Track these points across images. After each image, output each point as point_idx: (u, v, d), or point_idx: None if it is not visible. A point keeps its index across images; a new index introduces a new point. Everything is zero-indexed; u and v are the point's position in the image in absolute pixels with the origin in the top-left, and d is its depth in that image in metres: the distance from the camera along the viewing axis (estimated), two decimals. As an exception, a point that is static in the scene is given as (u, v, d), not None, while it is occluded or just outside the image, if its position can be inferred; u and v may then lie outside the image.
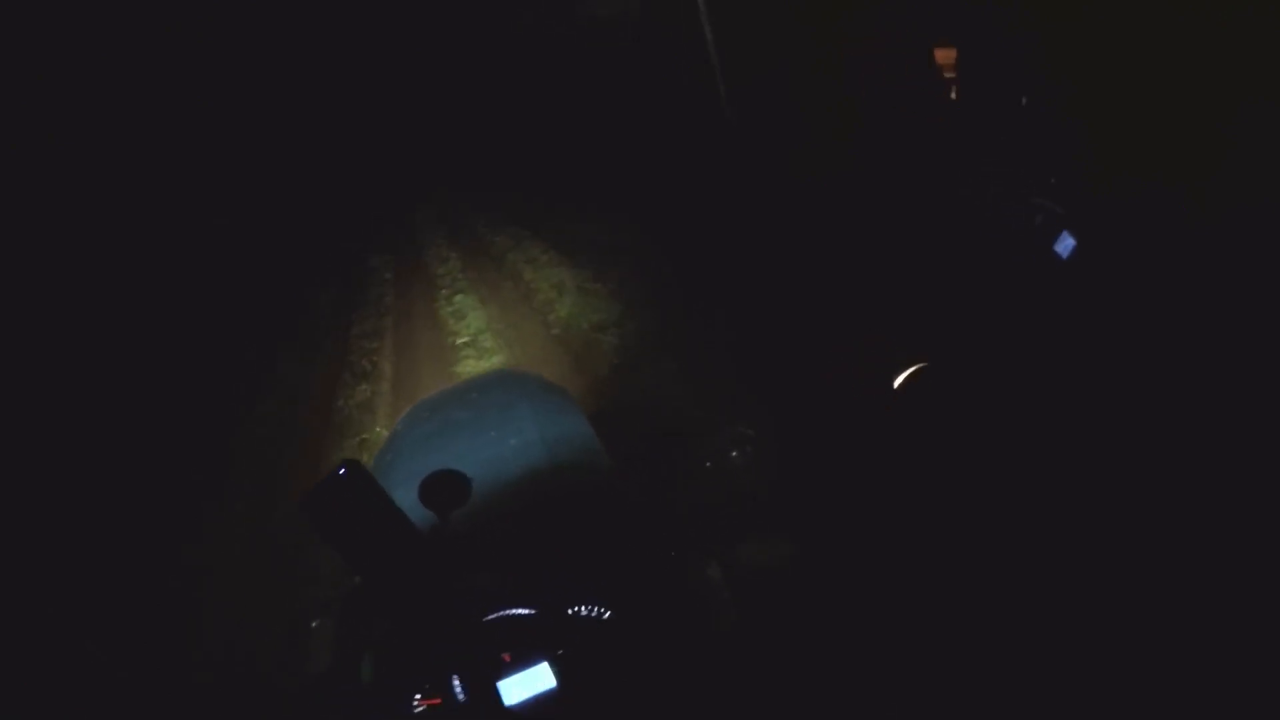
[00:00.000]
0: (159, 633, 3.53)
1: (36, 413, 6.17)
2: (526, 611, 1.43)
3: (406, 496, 1.57)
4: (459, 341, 6.96)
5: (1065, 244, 2.44)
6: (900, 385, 1.85)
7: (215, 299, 9.05)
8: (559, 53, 10.79)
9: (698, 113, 6.54)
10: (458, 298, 7.81)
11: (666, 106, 7.83)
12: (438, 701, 1.38)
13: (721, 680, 1.51)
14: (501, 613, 1.44)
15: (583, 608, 1.45)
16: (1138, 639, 1.67)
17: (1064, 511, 1.74)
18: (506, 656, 1.39)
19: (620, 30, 9.07)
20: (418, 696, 1.38)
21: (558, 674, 1.38)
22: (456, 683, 1.39)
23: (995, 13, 2.70)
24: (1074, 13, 2.44)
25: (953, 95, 2.66)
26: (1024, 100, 2.55)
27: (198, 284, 9.22)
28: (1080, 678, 1.66)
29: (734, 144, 4.64)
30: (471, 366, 6.18)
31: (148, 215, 9.71)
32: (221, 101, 12.68)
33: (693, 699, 1.45)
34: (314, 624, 2.00)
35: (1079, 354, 2.11)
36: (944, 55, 2.63)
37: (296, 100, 14.58)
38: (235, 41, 11.96)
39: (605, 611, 1.45)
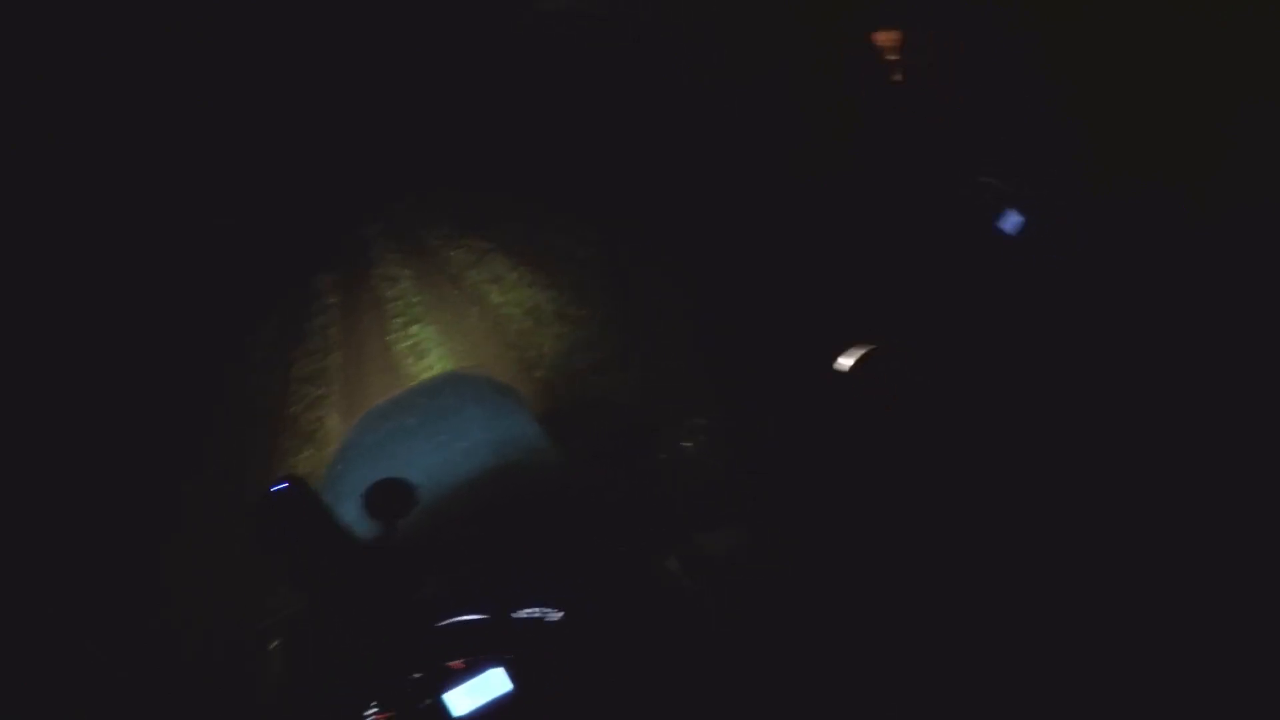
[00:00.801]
0: (154, 635, 3.49)
1: (30, 415, 6.09)
2: (477, 617, 1.42)
3: (356, 507, 1.54)
4: (405, 347, 6.81)
5: (1012, 220, 2.45)
6: (850, 367, 1.84)
7: (177, 302, 8.78)
8: (545, 51, 10.58)
9: (672, 110, 6.50)
10: (404, 303, 7.55)
11: (650, 107, 7.74)
12: (390, 715, 1.34)
13: (684, 672, 1.49)
14: (452, 619, 1.42)
15: (535, 609, 1.44)
16: (1115, 624, 1.68)
17: (1017, 496, 1.75)
18: (459, 664, 1.36)
19: (613, 28, 8.92)
20: (372, 712, 1.35)
21: (512, 677, 1.37)
22: (408, 694, 1.36)
23: (993, 9, 2.71)
24: (1073, 11, 2.44)
25: (898, 77, 2.66)
26: (1020, 97, 2.56)
27: (157, 288, 8.99)
28: (1049, 661, 1.66)
29: (699, 137, 4.64)
30: (420, 370, 6.09)
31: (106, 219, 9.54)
32: (165, 109, 12.37)
33: (655, 693, 1.44)
34: (272, 645, 1.96)
35: (1031, 336, 2.12)
36: (885, 38, 2.63)
37: (247, 100, 14.13)
38: (162, 48, 11.54)
39: (557, 612, 1.43)
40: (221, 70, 14.20)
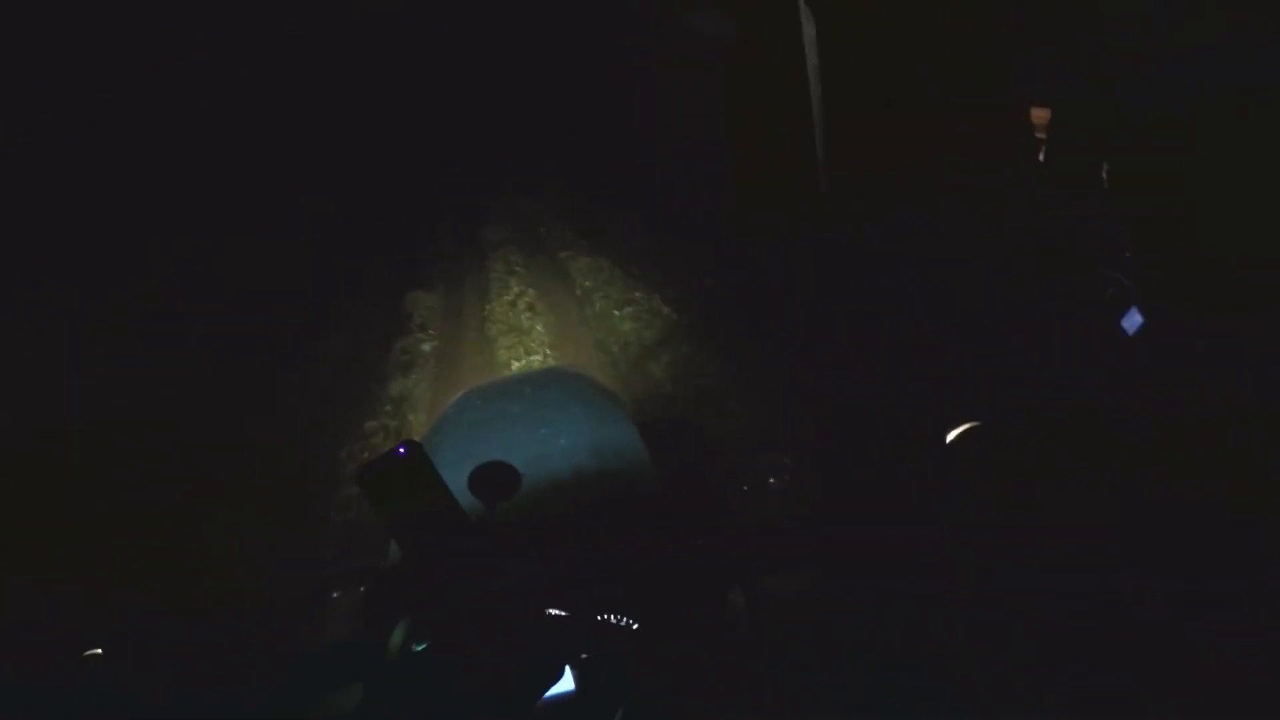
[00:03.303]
0: (187, 592, 3.62)
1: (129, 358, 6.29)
2: (558, 612, 1.45)
3: (449, 480, 1.59)
4: (508, 334, 6.89)
5: (1133, 320, 2.40)
6: (952, 441, 1.84)
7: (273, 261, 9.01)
8: (655, 65, 10.64)
9: (786, 140, 6.46)
10: (514, 293, 7.70)
11: (755, 131, 7.68)
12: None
13: (734, 706, 1.51)
14: (534, 610, 1.45)
15: (613, 616, 1.47)
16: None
17: (1071, 534, 1.73)
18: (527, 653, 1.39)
19: (716, 48, 8.94)
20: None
21: (577, 679, 1.39)
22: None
23: (1088, 79, 2.67)
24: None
25: (1040, 157, 2.65)
26: (1105, 170, 2.53)
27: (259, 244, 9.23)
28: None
29: (821, 181, 4.63)
30: (517, 363, 6.18)
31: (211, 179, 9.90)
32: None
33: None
34: (334, 595, 2.03)
35: (1138, 434, 2.08)
36: (1039, 115, 2.62)
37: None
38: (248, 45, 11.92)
39: (633, 623, 1.46)
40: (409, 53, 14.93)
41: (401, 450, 1.43)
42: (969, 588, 1.72)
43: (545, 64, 14.77)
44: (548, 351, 6.35)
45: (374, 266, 9.29)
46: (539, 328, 6.90)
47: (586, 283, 7.77)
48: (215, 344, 5.65)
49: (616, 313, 6.72)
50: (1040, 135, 2.64)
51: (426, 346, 6.57)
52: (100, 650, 1.72)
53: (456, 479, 1.61)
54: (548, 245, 9.26)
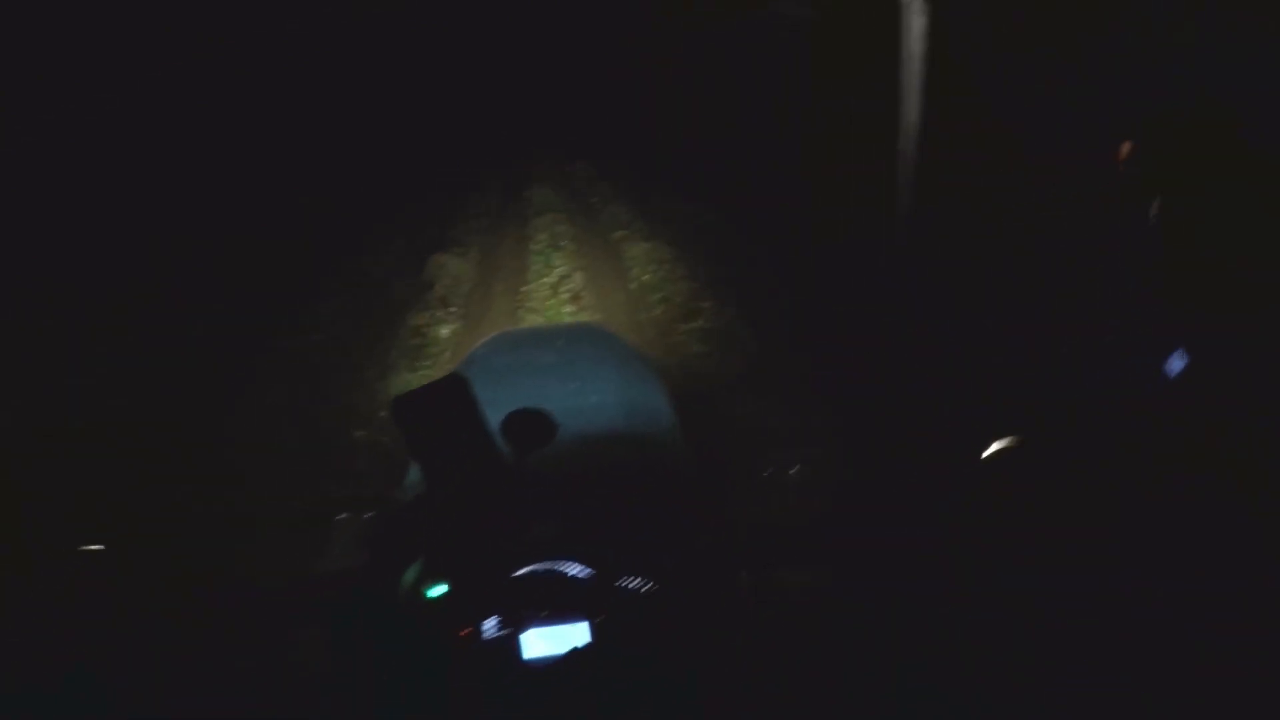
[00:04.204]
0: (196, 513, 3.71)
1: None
2: (581, 569, 1.44)
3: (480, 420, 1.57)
4: (537, 267, 6.85)
5: (1176, 364, 2.38)
6: (986, 457, 1.82)
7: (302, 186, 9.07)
8: (725, 44, 10.42)
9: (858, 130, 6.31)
10: (549, 250, 7.43)
11: (828, 114, 7.38)
12: (468, 632, 1.38)
13: (735, 687, 1.50)
14: (556, 565, 1.44)
15: (634, 579, 1.44)
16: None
17: (1072, 534, 1.72)
18: (545, 611, 1.39)
19: (796, 30, 8.75)
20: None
21: (595, 638, 1.38)
22: (491, 622, 1.39)
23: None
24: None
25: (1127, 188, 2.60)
26: (1154, 210, 2.49)
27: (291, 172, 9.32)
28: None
29: (895, 183, 4.58)
30: (553, 309, 6.13)
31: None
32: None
33: (703, 696, 1.45)
34: (340, 517, 2.03)
35: (1138, 434, 2.08)
36: (1127, 148, 2.57)
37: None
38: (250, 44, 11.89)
39: (654, 586, 1.44)
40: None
41: (447, 382, 1.43)
42: (969, 587, 1.71)
43: (598, 34, 14.66)
44: (585, 305, 6.22)
45: (399, 220, 8.82)
46: (578, 278, 6.65)
47: (625, 246, 7.46)
48: (215, 344, 5.65)
49: (651, 279, 6.56)
50: (1127, 169, 2.60)
51: (445, 330, 6.03)
52: (101, 547, 1.72)
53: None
54: (602, 222, 8.57)
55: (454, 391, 1.44)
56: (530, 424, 1.64)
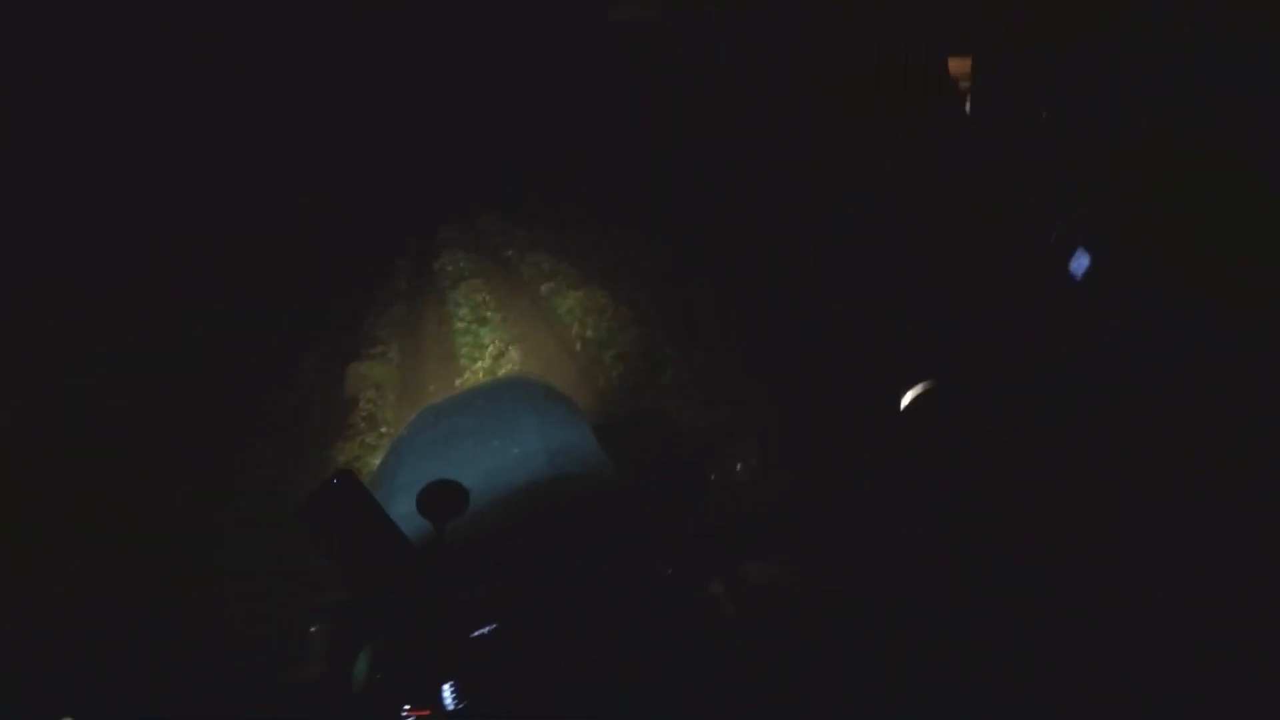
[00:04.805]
0: (170, 625, 3.61)
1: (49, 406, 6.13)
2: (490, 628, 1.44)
3: (407, 503, 1.58)
4: (467, 348, 6.51)
5: (1080, 262, 2.38)
6: (908, 404, 1.83)
7: (228, 297, 8.44)
8: (578, 59, 10.20)
9: (713, 121, 6.23)
10: (476, 327, 6.93)
11: (681, 114, 7.36)
12: (426, 713, 1.38)
13: (720, 697, 1.50)
14: (492, 627, 1.44)
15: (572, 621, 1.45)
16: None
17: (1072, 534, 1.74)
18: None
19: (639, 36, 8.55)
20: (406, 706, 1.38)
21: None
22: (447, 692, 1.39)
23: (1015, 25, 2.60)
24: (1097, 26, 2.34)
25: (967, 107, 2.58)
26: (1044, 114, 2.48)
27: (211, 282, 8.75)
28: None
29: (746, 153, 4.53)
30: (477, 375, 5.93)
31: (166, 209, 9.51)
32: (234, 104, 12.16)
33: (690, 711, 1.45)
34: (312, 629, 2.06)
35: (1089, 375, 2.07)
36: (958, 65, 2.55)
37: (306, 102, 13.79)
38: (246, 46, 11.79)
39: (594, 626, 1.44)
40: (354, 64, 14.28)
41: (334, 481, 1.42)
42: (969, 587, 1.72)
43: (491, 63, 14.14)
44: (507, 358, 6.05)
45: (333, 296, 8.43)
46: (498, 334, 6.53)
47: (541, 284, 7.29)
48: (215, 344, 5.64)
49: (569, 310, 6.42)
50: (964, 85, 2.57)
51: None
52: None
53: (411, 502, 1.59)
54: (525, 277, 8.07)
55: (344, 488, 1.45)
56: (441, 496, 1.63)
